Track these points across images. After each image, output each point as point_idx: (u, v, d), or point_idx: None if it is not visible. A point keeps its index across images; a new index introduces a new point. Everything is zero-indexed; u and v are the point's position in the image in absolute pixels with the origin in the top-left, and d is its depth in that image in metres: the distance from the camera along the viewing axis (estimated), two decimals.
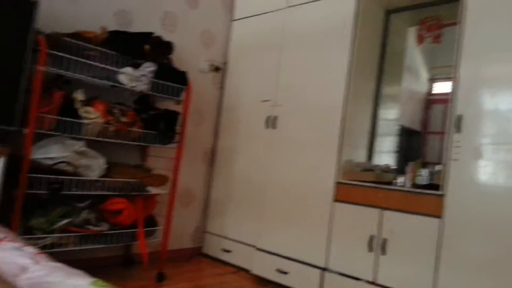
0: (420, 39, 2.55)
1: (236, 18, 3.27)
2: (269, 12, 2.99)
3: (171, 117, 2.58)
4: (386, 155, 2.84)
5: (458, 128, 2.01)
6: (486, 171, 1.91)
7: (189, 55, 3.05)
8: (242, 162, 3.03)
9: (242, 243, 2.91)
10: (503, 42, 1.92)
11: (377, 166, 2.67)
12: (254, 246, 2.81)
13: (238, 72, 3.19)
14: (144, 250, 2.34)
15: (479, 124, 1.95)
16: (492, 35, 1.95)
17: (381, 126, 2.82)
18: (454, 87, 2.05)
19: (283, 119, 2.79)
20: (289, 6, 2.86)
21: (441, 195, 2.02)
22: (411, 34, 2.69)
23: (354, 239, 2.31)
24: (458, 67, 2.04)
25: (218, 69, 3.25)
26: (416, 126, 2.92)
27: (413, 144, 2.83)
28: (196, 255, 3.17)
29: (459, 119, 2.00)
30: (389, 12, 2.72)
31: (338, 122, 2.49)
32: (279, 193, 2.73)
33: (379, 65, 2.78)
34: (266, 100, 2.90)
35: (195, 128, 3.15)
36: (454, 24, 2.07)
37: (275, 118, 2.83)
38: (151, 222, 2.49)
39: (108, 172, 2.26)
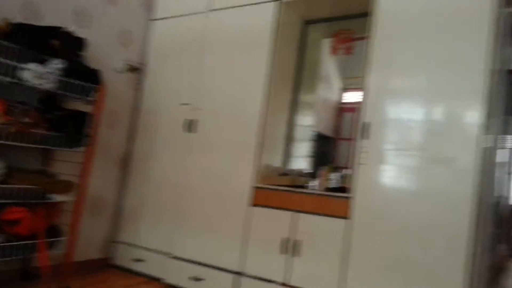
0: (334, 50, 2.69)
1: (156, 18, 3.17)
2: (190, 14, 2.95)
3: (80, 118, 2.41)
4: (301, 160, 2.94)
5: (365, 135, 2.14)
6: (389, 175, 2.06)
7: (104, 54, 2.88)
8: (159, 167, 2.93)
9: (156, 251, 2.81)
10: (406, 57, 2.10)
11: (292, 170, 2.76)
12: (169, 254, 2.73)
13: (157, 73, 3.09)
14: (44, 262, 2.14)
15: (383, 131, 2.10)
16: (397, 50, 2.12)
17: (298, 132, 2.91)
18: (363, 97, 2.18)
19: (203, 123, 2.76)
20: (211, 10, 2.85)
21: (349, 198, 2.14)
22: (326, 45, 2.83)
23: (269, 242, 2.34)
24: (367, 78, 2.18)
25: (135, 69, 3.12)
26: (329, 132, 3.06)
27: (327, 149, 2.96)
28: (105, 266, 2.99)
29: (366, 127, 2.14)
30: (307, 23, 2.84)
31: (257, 127, 2.52)
32: (197, 199, 2.69)
33: (296, 73, 2.88)
34: (186, 104, 2.85)
35: (109, 131, 2.98)
36: (364, 38, 2.21)
37: (195, 121, 2.79)
38: (54, 232, 2.29)
39: (6, 178, 2.04)
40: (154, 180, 2.93)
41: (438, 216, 1.90)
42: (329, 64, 2.95)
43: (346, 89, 3.00)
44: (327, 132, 3.03)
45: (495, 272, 4.33)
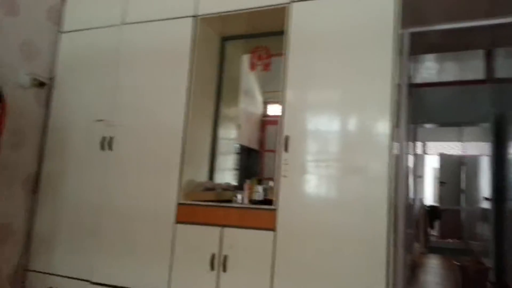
0: (253, 66, 2.74)
1: (65, 30, 2.97)
2: (103, 27, 2.81)
3: None
4: (227, 173, 2.94)
5: (286, 147, 2.20)
6: (309, 185, 2.13)
7: (6, 68, 2.62)
8: (73, 188, 2.73)
9: (74, 278, 2.60)
10: (319, 72, 2.20)
11: (218, 184, 2.73)
12: (88, 281, 2.54)
13: (68, 88, 2.89)
14: None
15: (302, 144, 2.18)
16: (311, 66, 2.22)
17: (222, 145, 2.91)
18: (282, 111, 2.24)
19: (121, 139, 2.63)
20: (124, 24, 2.75)
21: (274, 209, 2.17)
22: (245, 61, 2.88)
23: (196, 260, 2.29)
24: (284, 93, 2.25)
25: (42, 84, 2.88)
26: (254, 145, 3.10)
27: (253, 162, 2.99)
28: None
29: (286, 140, 2.20)
30: (224, 39, 2.86)
31: (179, 142, 2.47)
32: (117, 219, 2.54)
33: (218, 88, 2.88)
34: (101, 120, 2.69)
35: (14, 152, 2.71)
36: (280, 54, 2.28)
37: (111, 138, 2.65)
38: None
39: None
40: (68, 202, 2.72)
41: (356, 222, 2.00)
42: (249, 79, 2.99)
43: (268, 102, 3.07)
44: (252, 145, 3.07)
45: (413, 269, 4.70)
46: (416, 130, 5.06)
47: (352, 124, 2.11)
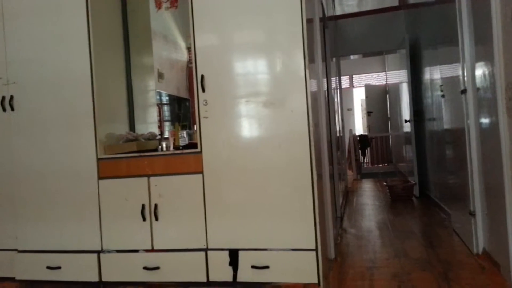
0: (159, 4, 2.52)
1: None
2: None
3: None
4: (153, 126, 2.81)
5: (202, 88, 2.10)
6: (231, 123, 2.08)
7: None
8: None
9: None
10: (226, 7, 2.06)
11: (141, 135, 2.61)
12: (15, 250, 2.39)
13: None
14: None
15: (219, 82, 2.09)
16: (218, 1, 2.07)
17: (144, 97, 2.74)
18: (193, 50, 2.13)
19: (22, 98, 2.38)
20: None
21: (199, 152, 2.12)
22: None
23: (127, 213, 2.23)
24: (193, 31, 2.13)
25: None
26: (182, 93, 2.97)
27: (185, 112, 2.88)
28: None
29: (202, 79, 2.10)
30: None
31: (89, 95, 2.29)
32: (35, 183, 2.37)
33: (125, 33, 2.65)
34: None
35: None
36: None
37: (12, 98, 2.38)
38: None
39: None
40: None
41: (281, 155, 2.02)
42: (162, 20, 2.78)
43: (191, 48, 2.90)
44: (181, 94, 2.94)
45: (347, 194, 4.98)
46: (340, 64, 5.14)
47: (267, 60, 2.05)
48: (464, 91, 2.38)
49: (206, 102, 2.11)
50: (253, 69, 2.07)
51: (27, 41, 2.38)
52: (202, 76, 2.10)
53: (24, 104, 2.38)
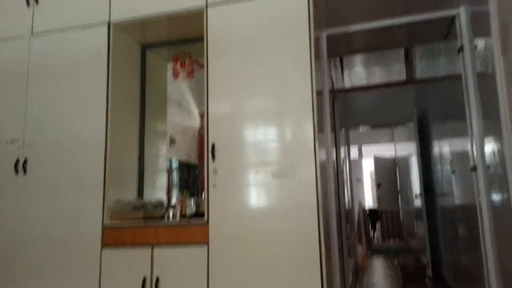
0: (176, 74, 2.64)
1: None
2: (9, 38, 2.58)
3: None
4: (162, 191, 2.80)
5: (213, 156, 2.12)
6: (240, 193, 2.06)
7: None
8: None
9: None
10: (241, 77, 2.15)
11: (149, 202, 2.58)
12: None
13: None
14: None
15: (230, 151, 2.11)
16: (232, 71, 2.17)
17: (154, 162, 2.76)
18: (207, 118, 2.18)
19: (36, 161, 2.41)
20: (33, 34, 2.54)
21: (205, 222, 2.08)
22: (169, 69, 2.77)
23: (128, 285, 2.12)
24: (208, 100, 2.19)
25: None
26: (193, 160, 2.98)
27: (193, 178, 2.88)
28: None
29: (213, 147, 2.12)
30: (145, 47, 2.73)
31: (101, 160, 2.30)
32: (38, 247, 2.31)
33: (142, 99, 2.74)
34: (14, 140, 2.45)
35: None
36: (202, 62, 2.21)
37: (26, 160, 2.42)
38: None
39: None
40: None
41: (289, 227, 1.97)
42: (179, 90, 2.89)
43: (204, 115, 2.96)
44: (192, 159, 2.96)
45: (357, 271, 4.77)
46: (349, 134, 5.21)
47: (277, 130, 2.08)
48: (474, 168, 2.36)
49: (215, 171, 2.11)
50: (263, 138, 2.09)
51: (47, 104, 2.46)
52: (213, 145, 2.13)
53: (37, 167, 2.41)
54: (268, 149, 2.07)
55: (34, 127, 2.46)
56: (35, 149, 2.43)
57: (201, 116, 3.15)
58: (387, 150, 8.98)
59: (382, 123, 5.81)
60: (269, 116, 2.10)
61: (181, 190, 2.82)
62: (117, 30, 2.44)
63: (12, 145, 2.46)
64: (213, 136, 2.15)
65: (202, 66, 2.31)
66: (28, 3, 2.59)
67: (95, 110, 2.37)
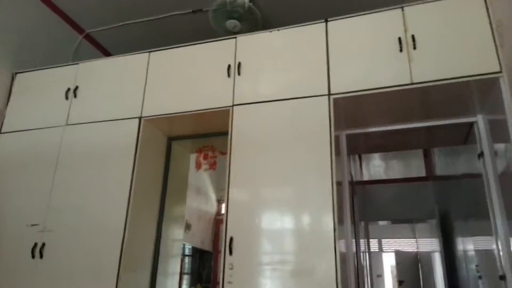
0: (198, 165, 2.73)
1: (5, 131, 2.88)
2: (45, 127, 2.75)
3: None
4: (174, 278, 2.72)
5: (230, 250, 2.08)
6: None
7: None
8: None
9: None
10: (262, 172, 2.20)
11: None
12: None
13: (2, 190, 2.70)
14: None
15: (248, 245, 2.07)
16: (254, 166, 2.22)
17: (169, 247, 2.72)
18: (226, 211, 2.17)
19: (53, 246, 2.41)
20: (69, 124, 2.71)
21: None
22: (192, 160, 2.86)
23: None
24: (228, 192, 2.20)
25: None
26: (208, 247, 2.93)
27: (206, 265, 2.81)
28: None
29: (231, 241, 2.10)
30: (171, 139, 2.86)
31: (118, 245, 2.28)
32: None
33: (164, 186, 2.78)
34: (35, 224, 2.49)
35: None
36: (225, 153, 2.29)
37: (43, 245, 2.43)
38: None
39: None
40: None
41: None
42: (199, 177, 2.95)
43: (222, 201, 2.98)
44: (205, 246, 2.91)
45: None
46: (368, 227, 5.08)
47: (296, 223, 2.06)
48: (503, 277, 2.24)
49: (232, 266, 2.06)
50: (281, 231, 2.06)
51: (72, 190, 2.52)
52: (231, 239, 2.10)
53: (54, 252, 2.40)
54: (286, 244, 2.03)
55: (56, 212, 2.50)
56: (55, 234, 2.44)
57: (219, 202, 3.16)
58: (408, 245, 8.63)
59: (402, 219, 5.68)
60: (288, 209, 2.09)
61: (193, 276, 2.74)
62: (147, 124, 2.58)
63: (32, 229, 2.49)
64: (231, 229, 2.13)
65: (224, 155, 2.39)
66: (66, 97, 2.81)
67: (118, 196, 2.40)
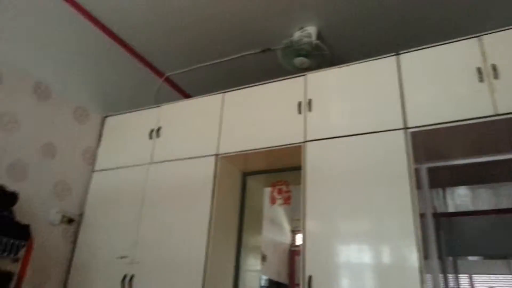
0: (273, 200, 2.77)
1: (97, 169, 3.19)
2: (132, 166, 3.00)
3: (2, 279, 2.18)
4: None
5: None
6: None
7: (37, 206, 2.76)
8: None
9: None
10: (339, 207, 2.16)
11: None
12: None
13: (94, 225, 2.96)
14: None
15: (328, 284, 2.02)
16: (330, 200, 2.19)
17: (247, 278, 2.75)
18: (303, 248, 2.15)
19: (141, 278, 2.56)
20: (153, 162, 2.92)
21: None
22: (266, 193, 2.91)
23: None
24: (304, 228, 2.19)
25: (71, 221, 2.97)
26: (283, 279, 2.92)
27: None
28: None
29: (310, 281, 2.06)
30: (246, 174, 2.95)
31: (200, 278, 2.35)
32: None
33: (240, 218, 2.85)
34: (124, 257, 2.68)
35: None
36: (299, 186, 2.30)
37: (132, 277, 2.59)
38: None
39: None
40: None
41: None
42: (273, 209, 2.98)
43: (297, 231, 2.96)
44: (281, 278, 2.90)
45: None
46: (457, 263, 4.67)
47: (378, 258, 1.97)
48: None
49: None
50: (361, 267, 1.98)
51: (156, 225, 2.67)
52: (310, 278, 2.07)
53: (142, 283, 2.54)
54: (367, 281, 1.94)
55: (143, 245, 2.66)
56: (142, 266, 2.59)
57: (293, 232, 3.13)
58: (504, 282, 7.75)
59: (495, 254, 5.14)
60: (367, 242, 2.01)
61: None
62: (223, 161, 2.69)
63: (122, 261, 2.68)
64: (309, 266, 2.09)
65: (298, 186, 2.39)
66: (150, 137, 3.03)
67: (198, 229, 2.49)
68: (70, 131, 3.11)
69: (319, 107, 2.46)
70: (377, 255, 1.99)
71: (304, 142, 2.40)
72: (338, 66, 2.51)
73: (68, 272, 2.89)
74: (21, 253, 2.26)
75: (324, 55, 2.89)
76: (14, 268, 2.24)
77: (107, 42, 3.18)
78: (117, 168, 3.08)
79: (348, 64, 2.48)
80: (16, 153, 2.70)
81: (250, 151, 2.57)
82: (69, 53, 3.08)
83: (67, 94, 3.12)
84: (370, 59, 2.42)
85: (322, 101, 2.46)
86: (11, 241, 2.20)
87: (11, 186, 2.47)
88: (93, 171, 3.20)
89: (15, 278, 2.20)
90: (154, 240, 2.64)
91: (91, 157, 3.23)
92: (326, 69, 2.57)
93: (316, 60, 2.93)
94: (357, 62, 2.46)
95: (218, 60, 3.42)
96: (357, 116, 2.33)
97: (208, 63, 3.46)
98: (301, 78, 2.60)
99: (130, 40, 3.25)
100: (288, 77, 2.66)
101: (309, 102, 2.48)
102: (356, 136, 2.28)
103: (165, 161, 2.87)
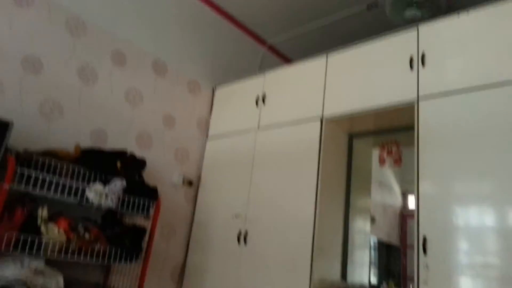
0: (382, 161, 2.69)
1: (210, 136, 3.45)
2: (241, 132, 3.16)
3: (138, 233, 2.52)
4: (363, 269, 2.75)
5: (424, 250, 2.00)
6: None
7: (163, 171, 3.12)
8: (211, 283, 2.89)
9: None
10: (457, 165, 2.03)
11: (352, 285, 2.58)
12: None
13: (210, 187, 3.24)
14: None
15: (445, 245, 1.94)
16: (447, 160, 2.06)
17: (356, 239, 2.77)
18: (416, 207, 2.09)
19: (254, 235, 2.76)
20: (259, 128, 3.05)
21: None
22: (375, 155, 2.85)
23: None
24: (418, 189, 2.11)
25: (191, 183, 3.30)
26: (394, 240, 2.89)
27: (393, 259, 2.77)
28: None
29: (424, 241, 2.01)
30: (352, 136, 2.91)
31: (310, 236, 2.45)
32: None
33: (347, 180, 2.85)
34: (238, 215, 2.90)
35: (165, 244, 3.06)
36: (412, 145, 2.20)
37: (246, 233, 2.80)
38: None
39: None
40: None
41: None
42: (382, 171, 2.91)
43: (408, 193, 2.88)
44: (392, 239, 2.87)
45: None
46: None
47: (505, 221, 1.82)
48: None
49: (427, 266, 1.98)
50: (482, 230, 1.87)
51: (266, 186, 2.82)
52: (425, 238, 2.01)
53: (255, 239, 2.73)
54: (489, 244, 1.83)
55: (254, 205, 2.84)
56: (254, 224, 2.79)
57: (403, 195, 3.04)
58: None
59: None
60: (491, 207, 1.87)
61: (380, 272, 2.72)
62: (328, 124, 2.68)
63: (237, 219, 2.90)
64: (424, 227, 2.03)
65: (409, 147, 2.29)
66: (257, 104, 3.14)
67: (306, 190, 2.57)
68: (186, 102, 3.38)
69: (433, 61, 2.27)
70: (502, 218, 1.84)
71: (417, 100, 2.26)
72: (456, 13, 2.28)
73: (190, 228, 3.23)
74: (151, 211, 2.56)
75: (439, 5, 2.64)
76: (147, 224, 2.57)
77: (213, 17, 3.33)
78: (228, 134, 3.28)
79: (468, 9, 2.22)
80: (142, 124, 3.04)
81: (357, 113, 2.53)
82: (181, 30, 3.31)
83: (181, 69, 3.38)
84: (497, 2, 2.12)
85: (437, 55, 2.27)
86: (144, 201, 2.51)
87: (139, 154, 2.81)
88: (207, 138, 3.46)
89: (147, 232, 2.52)
90: (264, 200, 2.79)
91: (205, 126, 3.50)
92: (441, 18, 2.35)
93: (430, 10, 2.68)
94: (480, 7, 2.18)
95: (320, 21, 3.35)
96: (477, 69, 2.10)
97: (309, 26, 3.41)
98: (413, 30, 2.41)
99: (232, 11, 3.35)
100: (396, 30, 2.49)
101: (423, 57, 2.31)
102: (473, 92, 2.08)
103: (272, 126, 2.97)
